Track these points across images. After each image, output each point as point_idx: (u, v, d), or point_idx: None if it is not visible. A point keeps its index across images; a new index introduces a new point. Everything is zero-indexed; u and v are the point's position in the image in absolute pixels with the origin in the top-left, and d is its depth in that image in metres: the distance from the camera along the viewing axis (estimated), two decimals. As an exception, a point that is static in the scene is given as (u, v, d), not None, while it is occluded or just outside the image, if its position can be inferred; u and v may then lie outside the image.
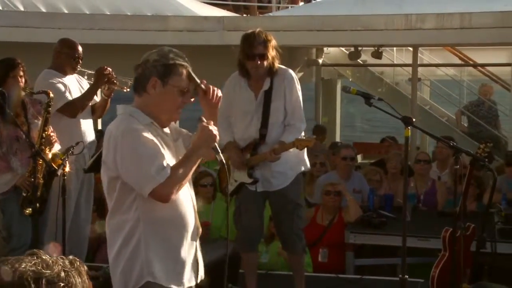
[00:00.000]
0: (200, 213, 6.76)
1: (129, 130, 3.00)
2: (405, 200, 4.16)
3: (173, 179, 3.00)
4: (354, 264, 6.38)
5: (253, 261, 5.31)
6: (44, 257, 1.44)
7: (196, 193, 6.31)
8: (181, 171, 3.02)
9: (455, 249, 4.41)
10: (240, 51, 4.82)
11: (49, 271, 1.41)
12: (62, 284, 1.41)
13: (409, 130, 3.74)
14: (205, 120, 3.12)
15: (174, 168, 3.02)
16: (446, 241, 5.04)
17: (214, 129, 3.10)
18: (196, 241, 3.25)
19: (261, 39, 4.76)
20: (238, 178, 5.07)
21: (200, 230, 3.30)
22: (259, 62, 4.74)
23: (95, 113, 5.90)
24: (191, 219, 3.20)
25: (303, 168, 5.14)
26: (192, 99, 3.13)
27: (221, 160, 3.15)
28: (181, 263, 3.15)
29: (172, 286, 3.14)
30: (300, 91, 5.02)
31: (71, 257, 1.49)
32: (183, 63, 3.05)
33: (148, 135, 3.01)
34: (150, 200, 3.03)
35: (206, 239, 5.75)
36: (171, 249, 3.13)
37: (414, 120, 3.75)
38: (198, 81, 3.12)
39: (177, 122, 3.49)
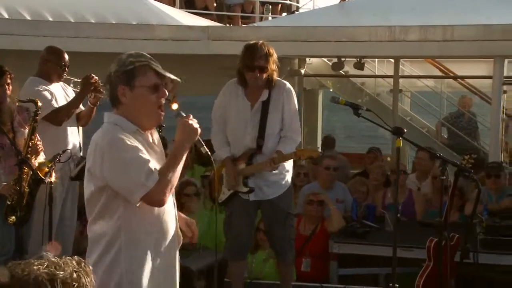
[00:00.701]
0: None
1: (115, 139, 3.00)
2: (397, 209, 4.28)
3: (163, 182, 3.00)
4: (338, 273, 6.41)
5: (241, 270, 5.34)
6: (54, 259, 1.46)
7: (180, 203, 6.35)
8: (170, 172, 3.03)
9: (441, 259, 4.46)
10: (240, 60, 4.89)
11: (62, 272, 1.42)
12: (75, 285, 1.42)
13: (401, 141, 3.78)
14: (184, 114, 3.13)
15: (162, 171, 3.03)
16: (430, 251, 5.10)
17: (194, 122, 3.12)
18: (176, 249, 3.27)
19: (263, 52, 4.84)
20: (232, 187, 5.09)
21: (181, 238, 3.31)
22: (258, 74, 4.80)
23: (80, 121, 5.90)
24: (172, 227, 3.21)
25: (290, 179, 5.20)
26: (167, 93, 3.11)
27: (206, 152, 3.18)
28: (161, 272, 3.16)
29: None
30: (297, 104, 5.09)
31: (77, 257, 1.51)
32: (144, 62, 3.06)
33: (133, 142, 3.03)
34: (132, 209, 3.03)
35: (191, 248, 5.76)
36: (151, 257, 3.12)
37: (405, 131, 3.79)
38: (171, 77, 3.10)
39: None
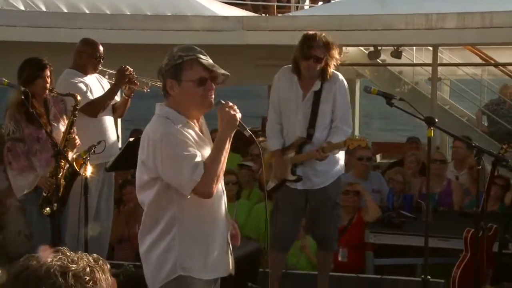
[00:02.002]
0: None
1: (166, 135, 3.11)
2: (428, 199, 4.16)
3: (209, 175, 3.10)
4: (373, 264, 6.37)
5: (282, 261, 5.33)
6: (69, 253, 1.47)
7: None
8: (214, 164, 3.12)
9: (477, 249, 4.39)
10: (297, 49, 4.88)
11: (75, 266, 1.43)
12: (87, 278, 1.43)
13: (432, 131, 3.72)
14: (223, 102, 3.17)
15: (207, 164, 3.12)
16: (468, 241, 5.02)
17: (232, 109, 3.15)
18: (227, 234, 3.36)
19: (321, 43, 4.83)
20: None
21: (231, 223, 3.42)
22: (313, 64, 4.79)
23: (115, 112, 5.93)
24: (222, 212, 3.33)
25: (342, 170, 5.18)
26: (214, 86, 3.17)
27: (250, 135, 3.19)
28: (213, 256, 3.27)
29: (202, 277, 3.25)
30: (349, 96, 5.08)
31: (95, 255, 1.52)
32: (191, 56, 3.13)
33: (183, 136, 3.12)
34: (185, 198, 3.15)
35: None
36: (204, 243, 3.24)
37: (437, 120, 3.72)
38: (220, 70, 3.15)
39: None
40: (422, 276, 3.96)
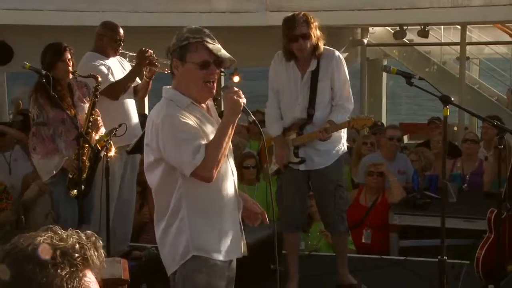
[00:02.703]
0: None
1: (168, 117, 3.13)
2: (443, 180, 4.11)
3: (209, 159, 3.10)
4: (398, 245, 6.32)
5: (296, 242, 5.31)
6: (59, 232, 1.46)
7: (240, 175, 6.35)
8: (215, 148, 3.12)
9: (500, 230, 4.33)
10: (283, 36, 4.82)
11: (63, 243, 1.42)
12: (77, 255, 1.42)
13: (448, 110, 3.66)
14: (228, 87, 3.18)
15: (208, 148, 3.12)
16: (491, 222, 4.95)
17: (237, 94, 3.14)
18: (238, 213, 3.36)
19: (301, 20, 4.76)
20: None
21: (242, 203, 3.40)
22: (302, 42, 4.73)
23: (137, 94, 5.95)
24: (231, 192, 3.31)
25: (345, 149, 5.12)
26: (217, 71, 3.17)
27: (254, 120, 3.20)
28: (225, 235, 3.26)
29: (216, 257, 3.24)
30: (347, 71, 5.00)
31: (89, 232, 1.51)
32: (198, 39, 3.14)
33: (186, 118, 3.13)
34: (192, 179, 3.15)
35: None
36: (214, 222, 3.24)
37: (453, 99, 3.66)
38: (225, 55, 3.16)
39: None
40: (439, 256, 3.91)
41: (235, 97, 3.12)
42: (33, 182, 6.77)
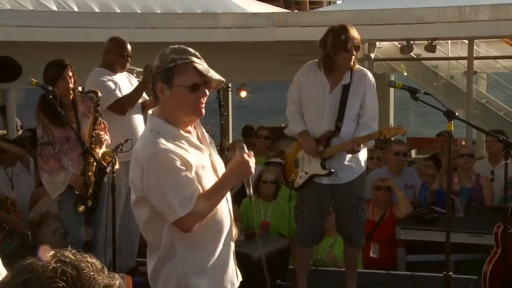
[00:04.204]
0: (260, 212, 6.73)
1: (154, 156, 2.89)
2: (449, 194, 4.12)
3: (198, 213, 2.92)
4: (405, 260, 6.30)
5: (308, 256, 5.32)
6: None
7: (256, 189, 6.30)
8: (209, 203, 2.94)
9: (506, 245, 4.31)
10: (332, 43, 4.84)
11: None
12: None
13: (452, 125, 3.67)
14: (246, 151, 3.00)
15: (201, 200, 2.92)
16: (498, 237, 4.94)
17: (253, 164, 2.99)
18: (232, 244, 3.17)
19: (355, 33, 4.85)
20: (309, 170, 5.08)
21: (236, 233, 3.20)
22: (354, 54, 4.83)
23: (145, 110, 5.97)
24: (227, 223, 3.11)
25: (365, 167, 5.15)
26: (208, 93, 2.97)
27: (250, 195, 3.06)
28: (219, 270, 3.09)
29: None
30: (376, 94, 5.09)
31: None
32: (185, 60, 2.92)
33: (174, 158, 2.88)
34: None
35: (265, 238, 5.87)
36: (208, 256, 3.04)
37: (459, 113, 3.67)
38: (215, 76, 2.96)
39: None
40: (444, 272, 3.90)
41: (249, 165, 2.96)
42: (39, 201, 6.83)
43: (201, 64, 2.94)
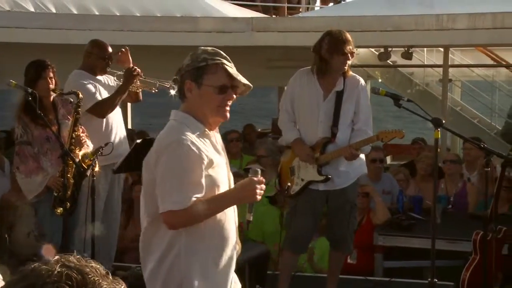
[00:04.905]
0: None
1: (176, 143, 2.92)
2: (435, 201, 4.12)
3: (190, 214, 2.90)
4: (383, 266, 6.34)
5: (294, 263, 5.32)
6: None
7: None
8: (206, 211, 2.93)
9: (485, 252, 4.35)
10: (327, 48, 4.84)
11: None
12: None
13: (439, 132, 3.69)
14: (260, 176, 3.02)
15: (199, 203, 2.91)
16: (477, 244, 4.98)
17: (262, 191, 3.00)
18: (235, 258, 3.14)
19: (350, 38, 4.88)
20: (306, 177, 5.07)
21: (239, 247, 3.18)
22: (348, 58, 4.85)
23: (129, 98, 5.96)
24: (232, 234, 3.10)
25: (364, 171, 5.16)
26: (235, 96, 3.01)
27: (248, 220, 3.09)
28: (220, 276, 3.07)
29: None
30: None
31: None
32: (216, 61, 2.97)
33: (195, 152, 2.91)
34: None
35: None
36: (210, 265, 3.03)
37: (444, 121, 3.69)
38: (243, 81, 3.00)
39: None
40: (429, 279, 3.92)
41: (257, 192, 2.97)
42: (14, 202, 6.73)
43: (231, 68, 2.99)
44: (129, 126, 9.43)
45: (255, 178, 3.00)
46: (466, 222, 6.40)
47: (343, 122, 4.97)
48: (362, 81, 5.07)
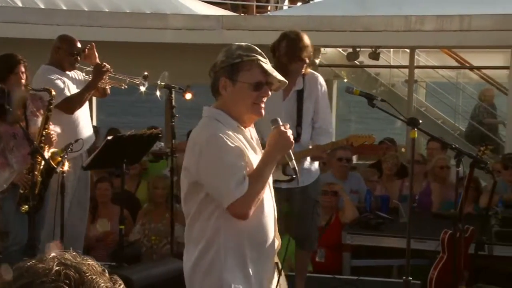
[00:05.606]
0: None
1: (214, 137, 2.88)
2: (411, 201, 4.17)
3: (250, 194, 2.86)
4: (350, 265, 6.38)
5: None
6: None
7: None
8: (258, 183, 2.90)
9: (455, 251, 4.41)
10: (285, 52, 4.81)
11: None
12: None
13: (415, 132, 3.72)
14: (281, 123, 2.99)
15: (251, 181, 2.88)
16: (445, 243, 5.05)
17: (291, 135, 2.99)
18: (273, 255, 3.09)
19: (307, 41, 4.84)
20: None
21: (278, 244, 3.13)
22: (305, 63, 4.83)
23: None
24: (271, 231, 3.05)
25: (319, 170, 5.19)
26: (270, 92, 2.98)
27: (294, 168, 3.02)
28: (258, 279, 3.01)
29: None
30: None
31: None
32: (252, 57, 2.92)
33: (234, 141, 2.89)
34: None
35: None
36: (250, 262, 2.98)
37: (421, 122, 3.73)
38: (278, 77, 2.98)
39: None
40: (404, 277, 3.96)
41: (288, 135, 2.96)
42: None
43: (266, 64, 2.95)
44: (94, 123, 9.34)
45: (280, 127, 2.97)
46: (432, 221, 6.48)
47: (306, 121, 4.98)
48: (320, 78, 5.05)
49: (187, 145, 3.00)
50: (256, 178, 2.90)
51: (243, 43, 3.01)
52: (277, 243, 3.12)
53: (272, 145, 2.97)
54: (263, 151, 3.07)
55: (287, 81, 3.06)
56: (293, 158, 3.02)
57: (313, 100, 4.98)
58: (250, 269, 2.97)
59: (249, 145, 2.99)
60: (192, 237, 3.02)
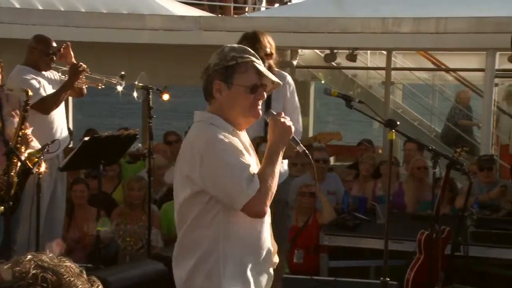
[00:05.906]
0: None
1: (214, 139, 2.80)
2: (389, 202, 4.19)
3: (263, 191, 2.81)
4: (328, 265, 6.39)
5: None
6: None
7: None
8: (269, 179, 2.84)
9: (431, 251, 4.44)
10: None
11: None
12: None
13: (393, 133, 3.74)
14: (274, 112, 2.95)
15: (261, 177, 2.82)
16: (421, 243, 5.08)
17: (287, 120, 2.93)
18: (271, 261, 3.09)
19: (267, 39, 4.84)
20: None
21: (274, 252, 3.11)
22: (267, 62, 4.79)
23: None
24: (268, 239, 3.03)
25: (288, 171, 5.18)
26: (265, 95, 2.93)
27: (304, 151, 2.97)
28: (257, 286, 2.99)
29: None
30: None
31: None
32: (246, 59, 2.87)
33: (233, 142, 2.83)
34: (231, 216, 2.85)
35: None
36: (249, 270, 2.94)
37: (398, 123, 3.75)
38: (273, 79, 2.93)
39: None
40: (381, 278, 3.98)
41: (286, 122, 2.90)
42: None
43: (260, 65, 2.91)
44: (71, 124, 9.28)
45: (276, 117, 2.93)
46: (408, 222, 6.51)
47: None
48: (288, 77, 5.02)
49: (183, 153, 2.90)
50: (266, 173, 2.84)
51: (235, 45, 2.98)
52: (274, 252, 3.10)
53: (272, 136, 2.93)
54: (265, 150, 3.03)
55: (281, 82, 3.01)
56: (299, 142, 2.97)
57: (282, 99, 4.97)
58: (249, 277, 2.93)
59: (245, 148, 2.93)
60: (188, 244, 2.93)
